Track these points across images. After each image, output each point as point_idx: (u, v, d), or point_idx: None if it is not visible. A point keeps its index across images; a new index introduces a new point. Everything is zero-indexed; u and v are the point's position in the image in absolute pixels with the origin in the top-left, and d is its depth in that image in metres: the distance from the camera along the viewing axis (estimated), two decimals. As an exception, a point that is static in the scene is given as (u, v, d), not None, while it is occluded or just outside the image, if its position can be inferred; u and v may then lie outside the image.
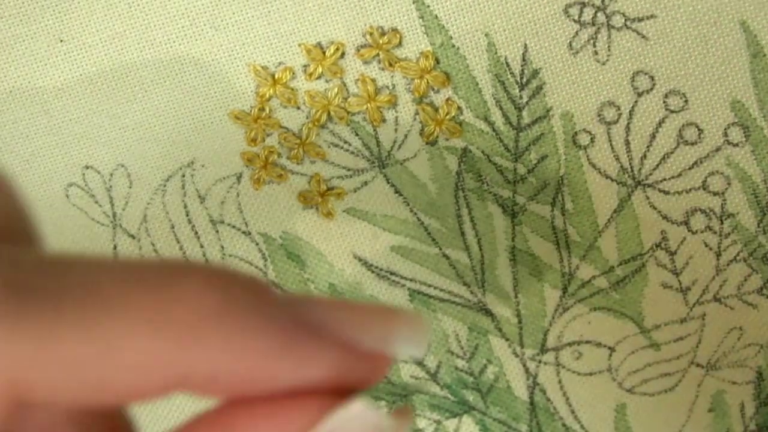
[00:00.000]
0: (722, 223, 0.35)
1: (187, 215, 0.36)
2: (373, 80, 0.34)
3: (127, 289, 0.17)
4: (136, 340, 0.17)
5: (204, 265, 0.18)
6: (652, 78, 0.34)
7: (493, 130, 0.35)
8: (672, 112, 0.34)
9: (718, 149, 0.34)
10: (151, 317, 0.17)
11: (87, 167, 0.36)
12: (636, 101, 0.34)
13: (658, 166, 0.35)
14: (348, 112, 0.35)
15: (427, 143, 0.35)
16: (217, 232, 0.36)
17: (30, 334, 0.17)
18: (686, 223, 0.35)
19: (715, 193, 0.35)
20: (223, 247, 0.36)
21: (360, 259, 0.36)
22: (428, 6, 0.34)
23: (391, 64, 0.34)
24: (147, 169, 0.35)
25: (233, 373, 0.18)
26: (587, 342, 0.37)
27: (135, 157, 0.35)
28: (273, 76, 0.34)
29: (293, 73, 0.34)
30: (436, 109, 0.35)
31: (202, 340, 0.17)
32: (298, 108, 0.35)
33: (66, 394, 0.17)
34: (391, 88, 0.34)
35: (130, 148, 0.35)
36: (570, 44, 0.34)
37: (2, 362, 0.17)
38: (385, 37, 0.34)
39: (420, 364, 0.37)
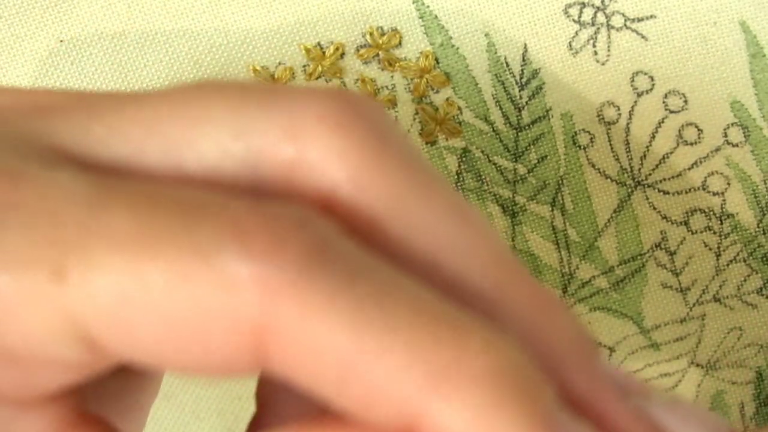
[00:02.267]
0: (722, 223, 0.35)
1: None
2: (373, 80, 0.34)
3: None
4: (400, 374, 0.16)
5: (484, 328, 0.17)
6: (651, 78, 0.34)
7: (493, 130, 0.35)
8: (672, 112, 0.34)
9: (717, 149, 0.34)
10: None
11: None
12: (636, 101, 0.34)
13: (657, 166, 0.35)
14: (348, 112, 0.35)
15: (426, 143, 0.35)
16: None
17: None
18: (686, 223, 0.35)
19: (715, 193, 0.35)
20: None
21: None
22: (428, 6, 0.34)
23: (390, 64, 0.34)
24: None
25: None
26: (587, 342, 0.37)
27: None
28: (272, 76, 0.34)
29: (293, 73, 0.34)
30: (436, 109, 0.35)
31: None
32: (298, 108, 0.35)
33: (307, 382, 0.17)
34: (390, 88, 0.34)
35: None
36: (570, 44, 0.34)
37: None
38: (385, 37, 0.34)
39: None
